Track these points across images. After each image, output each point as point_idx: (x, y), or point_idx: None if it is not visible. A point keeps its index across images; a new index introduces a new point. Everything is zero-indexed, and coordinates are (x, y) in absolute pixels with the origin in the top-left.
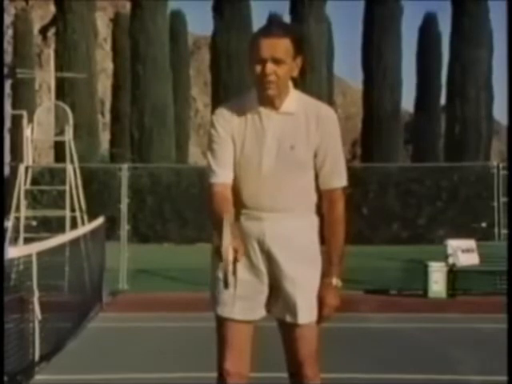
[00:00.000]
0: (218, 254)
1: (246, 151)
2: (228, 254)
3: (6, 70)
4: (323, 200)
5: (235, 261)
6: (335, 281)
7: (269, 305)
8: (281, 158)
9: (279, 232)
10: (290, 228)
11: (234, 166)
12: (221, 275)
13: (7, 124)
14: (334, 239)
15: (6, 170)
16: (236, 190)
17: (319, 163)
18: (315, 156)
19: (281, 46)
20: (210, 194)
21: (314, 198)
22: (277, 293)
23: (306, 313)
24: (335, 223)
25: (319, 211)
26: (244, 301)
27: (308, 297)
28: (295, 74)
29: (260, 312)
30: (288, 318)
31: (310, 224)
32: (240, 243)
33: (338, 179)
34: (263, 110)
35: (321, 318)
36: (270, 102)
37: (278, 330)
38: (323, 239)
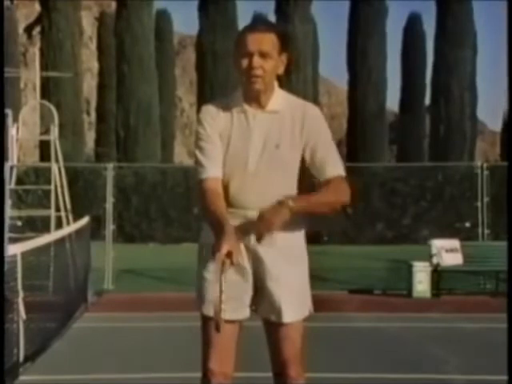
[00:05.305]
0: (213, 254)
1: (232, 150)
2: (221, 262)
3: None
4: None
5: (231, 264)
6: (288, 202)
7: (254, 304)
8: (266, 156)
9: None
10: None
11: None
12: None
13: None
14: (320, 196)
15: None
16: (222, 189)
17: (309, 159)
18: (304, 154)
19: (267, 40)
20: (201, 190)
21: None
22: (262, 292)
23: (291, 312)
24: (332, 195)
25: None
26: (230, 300)
27: (293, 296)
28: (280, 70)
29: (245, 312)
30: (272, 318)
31: (296, 223)
32: (236, 245)
33: (333, 168)
34: (249, 109)
35: (258, 234)
36: (255, 99)
37: (263, 330)
38: (309, 238)
